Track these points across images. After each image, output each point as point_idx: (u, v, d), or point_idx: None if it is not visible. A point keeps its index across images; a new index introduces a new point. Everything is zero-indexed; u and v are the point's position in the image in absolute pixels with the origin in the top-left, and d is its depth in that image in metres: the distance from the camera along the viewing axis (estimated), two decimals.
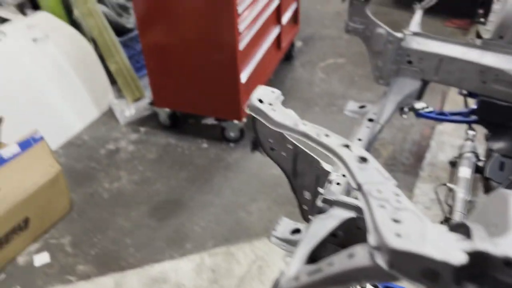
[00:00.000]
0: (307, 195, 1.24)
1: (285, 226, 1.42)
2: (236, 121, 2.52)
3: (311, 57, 3.45)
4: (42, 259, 1.99)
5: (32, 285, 1.89)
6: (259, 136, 1.22)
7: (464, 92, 2.09)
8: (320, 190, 1.11)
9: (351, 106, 2.10)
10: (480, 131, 1.95)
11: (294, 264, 0.89)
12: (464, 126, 2.09)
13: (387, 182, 0.74)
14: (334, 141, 0.85)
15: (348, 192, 1.49)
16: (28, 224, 1.99)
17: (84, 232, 2.10)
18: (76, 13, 2.94)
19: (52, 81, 2.70)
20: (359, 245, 0.69)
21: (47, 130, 2.21)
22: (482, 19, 3.51)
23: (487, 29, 1.82)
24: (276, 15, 2.83)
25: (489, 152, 1.77)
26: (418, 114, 2.03)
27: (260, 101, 1.13)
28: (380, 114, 1.87)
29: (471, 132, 1.93)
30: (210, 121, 2.78)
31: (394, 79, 1.97)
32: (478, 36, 3.58)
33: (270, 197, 2.23)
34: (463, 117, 2.01)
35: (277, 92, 1.18)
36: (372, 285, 1.24)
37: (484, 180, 1.80)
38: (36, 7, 2.97)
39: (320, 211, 1.08)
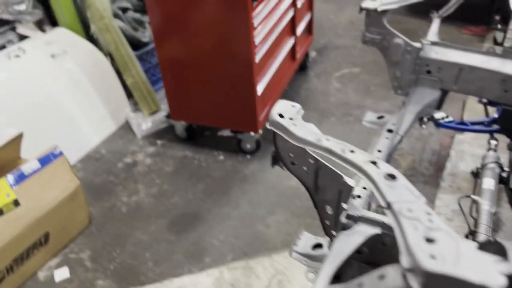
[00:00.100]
0: (329, 210, 1.22)
1: (306, 240, 1.40)
2: (252, 133, 2.51)
3: (326, 67, 3.44)
4: (62, 274, 2.00)
5: None
6: (280, 151, 1.20)
7: (484, 100, 2.05)
8: (344, 205, 1.10)
9: (369, 116, 2.08)
10: (503, 140, 1.91)
11: (320, 284, 0.87)
12: (485, 135, 2.05)
13: (418, 200, 0.72)
14: (360, 157, 0.84)
15: (369, 205, 1.47)
16: (48, 239, 2.00)
17: (103, 247, 2.11)
18: (93, 28, 2.98)
19: (70, 95, 2.74)
20: (390, 266, 0.67)
21: (65, 144, 2.23)
22: (499, 26, 3.48)
23: (509, 37, 1.79)
24: (291, 26, 2.83)
25: None
26: (437, 124, 2.00)
27: (281, 115, 1.13)
28: (399, 125, 1.85)
29: (493, 142, 1.89)
30: (226, 133, 2.78)
31: (413, 89, 1.94)
32: (495, 42, 3.54)
33: (288, 209, 2.22)
34: (485, 127, 1.97)
35: (297, 106, 1.17)
36: None
37: (509, 191, 1.76)
38: (54, 23, 3.02)
39: (344, 227, 1.06)
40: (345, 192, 1.14)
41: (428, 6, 1.98)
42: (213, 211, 2.25)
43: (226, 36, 2.22)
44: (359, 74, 3.31)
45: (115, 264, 2.02)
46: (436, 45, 1.89)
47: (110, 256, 2.06)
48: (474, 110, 2.33)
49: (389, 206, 0.71)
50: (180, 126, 2.72)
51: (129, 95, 3.00)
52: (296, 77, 3.24)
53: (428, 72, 1.88)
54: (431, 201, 2.12)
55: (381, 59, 3.47)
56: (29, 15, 2.88)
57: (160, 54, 2.45)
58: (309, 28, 3.25)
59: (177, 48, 2.38)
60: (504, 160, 1.80)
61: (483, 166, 1.74)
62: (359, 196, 1.38)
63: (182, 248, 2.06)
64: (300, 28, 2.99)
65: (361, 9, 1.80)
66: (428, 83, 1.91)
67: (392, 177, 0.77)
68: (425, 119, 2.00)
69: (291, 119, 1.10)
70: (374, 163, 0.81)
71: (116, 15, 3.02)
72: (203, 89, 2.46)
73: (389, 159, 1.81)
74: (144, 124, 2.89)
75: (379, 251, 1.07)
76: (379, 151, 1.74)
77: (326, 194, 1.20)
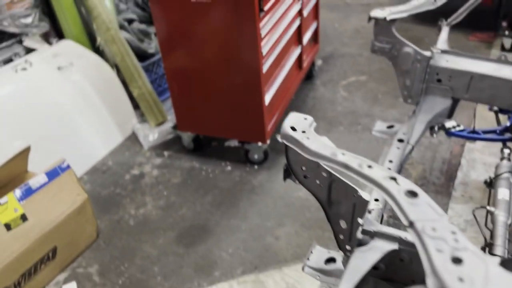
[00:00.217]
0: (343, 224, 1.19)
1: (318, 254, 1.37)
2: (260, 143, 2.49)
3: (332, 75, 3.42)
4: None
5: None
6: (292, 164, 1.18)
7: (495, 108, 2.03)
8: (359, 220, 1.07)
9: (379, 126, 2.06)
10: None
11: None
12: (496, 143, 2.02)
13: (441, 218, 0.69)
14: (378, 173, 0.81)
15: (382, 217, 1.44)
16: (56, 254, 1.98)
17: (111, 261, 2.08)
18: (99, 40, 2.99)
19: (77, 107, 2.73)
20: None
21: (72, 156, 2.22)
22: (506, 32, 3.45)
23: None
24: (297, 35, 2.82)
25: None
26: (449, 133, 1.97)
27: (293, 128, 1.10)
28: (410, 134, 1.83)
29: (506, 151, 1.86)
30: (233, 143, 2.76)
31: (423, 98, 1.92)
32: (503, 48, 3.52)
33: (298, 221, 2.19)
34: (497, 135, 1.94)
35: (309, 118, 1.15)
36: None
37: None
38: (60, 36, 3.03)
39: (360, 243, 1.04)
40: (360, 206, 1.11)
41: (434, 13, 1.96)
42: (221, 223, 2.22)
43: (233, 47, 2.21)
44: (366, 82, 3.29)
45: (124, 279, 2.00)
46: (446, 53, 1.87)
47: (119, 270, 2.03)
48: (483, 117, 2.30)
49: (411, 225, 0.69)
50: (187, 137, 2.71)
51: (136, 106, 3.00)
52: (303, 86, 3.22)
53: (439, 80, 1.86)
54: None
55: (387, 67, 3.45)
56: (35, 28, 2.89)
57: (167, 65, 2.45)
58: (315, 37, 3.24)
59: (183, 58, 2.37)
60: None
61: (497, 176, 1.70)
62: (371, 211, 1.36)
63: (191, 261, 2.04)
64: (307, 37, 2.98)
65: (370, 18, 1.79)
66: (439, 91, 1.89)
67: (413, 194, 0.74)
68: (436, 128, 1.97)
69: (303, 132, 1.08)
70: (394, 179, 0.79)
71: (122, 27, 3.03)
72: (210, 100, 2.45)
73: (400, 169, 1.78)
74: (151, 135, 2.88)
75: (396, 267, 1.05)
76: (391, 161, 1.71)
77: (339, 208, 1.18)
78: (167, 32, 2.33)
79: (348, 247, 1.22)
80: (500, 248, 1.38)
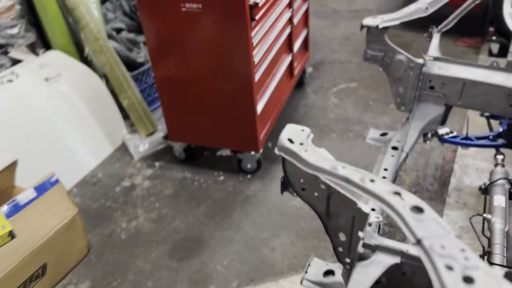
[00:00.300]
0: (342, 236, 1.17)
1: (316, 267, 1.35)
2: (253, 152, 2.47)
3: (323, 82, 3.42)
4: None
5: None
6: (289, 177, 1.16)
7: (487, 114, 2.03)
8: (360, 234, 1.05)
9: (373, 133, 2.04)
10: (509, 153, 1.88)
11: None
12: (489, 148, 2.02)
13: (448, 235, 0.67)
14: (382, 187, 0.79)
15: (379, 227, 1.42)
16: (46, 271, 1.93)
17: (103, 276, 2.03)
18: (87, 50, 2.95)
19: (65, 119, 2.68)
20: None
21: (61, 169, 2.17)
22: (493, 37, 3.49)
23: (511, 51, 1.78)
24: (288, 43, 2.81)
25: None
26: (442, 140, 1.97)
27: (290, 140, 1.08)
28: (404, 142, 1.82)
29: (500, 157, 1.86)
30: (225, 152, 2.73)
31: (416, 105, 1.92)
32: (491, 53, 3.55)
33: (293, 230, 2.16)
34: (490, 141, 1.95)
35: (307, 130, 1.12)
36: None
37: None
38: (47, 46, 2.98)
39: (362, 257, 1.01)
40: (359, 218, 1.09)
41: (422, 19, 1.97)
42: (215, 235, 2.19)
43: (225, 56, 2.19)
44: (356, 89, 3.29)
45: None
46: (438, 60, 1.86)
47: (111, 286, 1.98)
48: (475, 123, 2.30)
49: (419, 242, 0.67)
50: (178, 147, 2.67)
51: (125, 116, 2.96)
52: (293, 94, 3.21)
53: (431, 87, 1.86)
54: None
55: (378, 73, 3.46)
56: (21, 39, 2.83)
57: (157, 74, 2.41)
58: (305, 44, 3.23)
59: (174, 68, 2.34)
60: None
61: (492, 183, 1.70)
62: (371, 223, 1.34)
63: (185, 275, 2.00)
64: (297, 44, 2.97)
65: (362, 26, 1.78)
66: (432, 99, 1.88)
67: (419, 209, 0.72)
68: (429, 135, 1.97)
69: (301, 144, 1.06)
70: (398, 194, 0.77)
71: (110, 36, 2.99)
72: (202, 109, 2.42)
73: (395, 177, 1.77)
74: (141, 145, 2.84)
75: (398, 280, 1.03)
76: (386, 169, 1.70)
77: (338, 220, 1.15)
78: (157, 41, 2.30)
79: (347, 260, 1.19)
80: (498, 257, 1.37)
